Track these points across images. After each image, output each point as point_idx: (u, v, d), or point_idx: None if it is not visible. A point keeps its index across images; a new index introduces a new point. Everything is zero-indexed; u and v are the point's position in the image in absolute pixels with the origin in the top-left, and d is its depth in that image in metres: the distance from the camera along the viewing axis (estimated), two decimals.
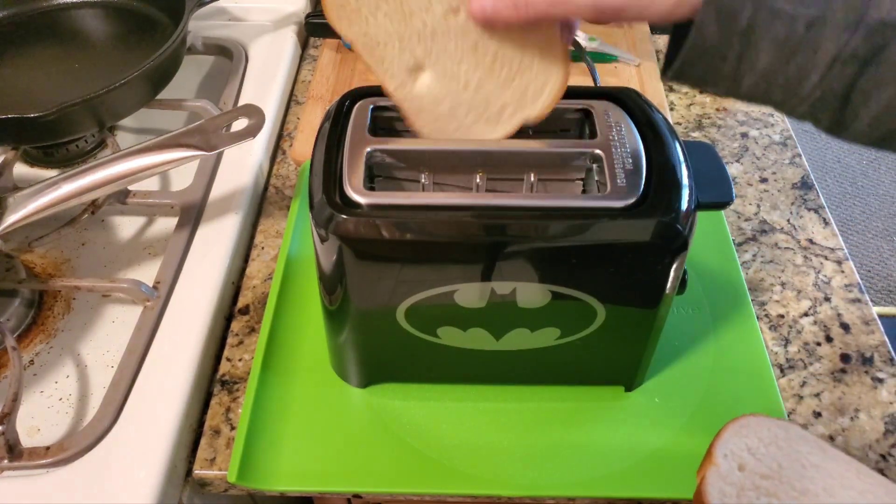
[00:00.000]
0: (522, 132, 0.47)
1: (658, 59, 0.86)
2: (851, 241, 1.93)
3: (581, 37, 0.86)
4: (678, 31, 0.38)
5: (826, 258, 0.66)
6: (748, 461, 0.46)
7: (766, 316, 0.61)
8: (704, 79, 0.36)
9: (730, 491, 0.45)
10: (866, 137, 0.35)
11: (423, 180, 0.47)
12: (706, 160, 0.48)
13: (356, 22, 0.44)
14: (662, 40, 0.90)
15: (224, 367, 0.58)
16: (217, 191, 0.68)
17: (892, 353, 0.59)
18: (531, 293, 0.46)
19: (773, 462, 0.46)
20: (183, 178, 0.70)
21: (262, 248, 0.67)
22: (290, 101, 0.83)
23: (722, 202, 0.46)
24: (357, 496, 0.52)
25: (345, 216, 0.42)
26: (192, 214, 0.66)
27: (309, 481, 0.51)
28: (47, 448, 0.51)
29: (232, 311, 0.62)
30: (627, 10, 0.35)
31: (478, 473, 0.51)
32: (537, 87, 0.45)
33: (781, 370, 0.58)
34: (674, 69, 0.36)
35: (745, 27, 0.33)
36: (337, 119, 0.48)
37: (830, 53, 0.32)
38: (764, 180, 0.73)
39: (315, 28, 0.87)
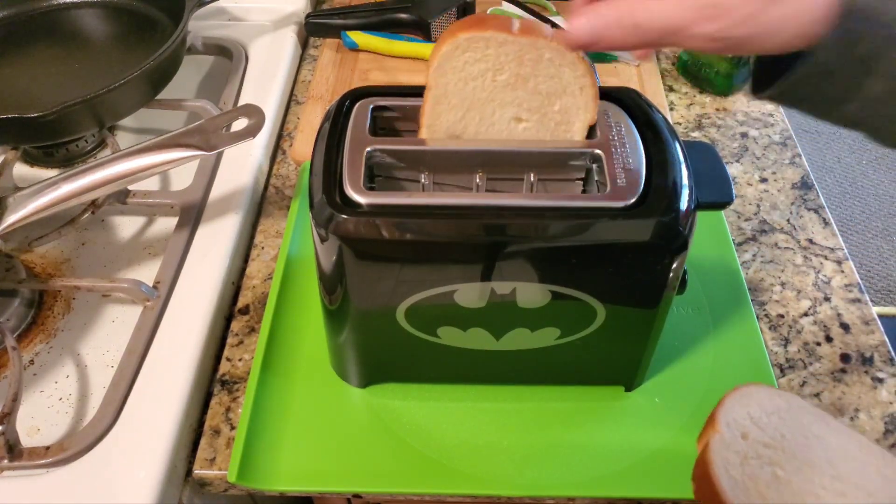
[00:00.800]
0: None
1: (658, 60, 0.86)
2: (851, 241, 1.93)
3: None
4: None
5: (826, 258, 0.66)
6: (751, 430, 0.46)
7: (766, 316, 0.61)
8: (805, 101, 0.35)
9: (734, 459, 0.45)
10: None
11: (423, 180, 0.47)
12: (706, 160, 0.48)
13: (449, 76, 0.45)
14: None
15: (224, 367, 0.58)
16: (217, 191, 0.68)
17: (892, 353, 0.59)
18: (531, 293, 0.46)
19: (776, 432, 0.47)
20: (183, 178, 0.70)
21: (262, 248, 0.67)
22: (290, 101, 0.83)
23: (722, 202, 0.46)
24: (357, 496, 0.52)
25: (345, 216, 0.42)
26: (192, 214, 0.66)
27: (309, 481, 0.51)
28: (47, 448, 0.51)
29: (232, 311, 0.62)
30: (746, 43, 0.34)
31: (478, 473, 0.51)
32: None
33: (781, 370, 0.58)
34: (777, 89, 0.35)
35: (865, 54, 0.32)
36: (337, 119, 0.48)
37: None
38: (764, 180, 0.73)
39: (315, 28, 0.87)
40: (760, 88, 0.37)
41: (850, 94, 0.33)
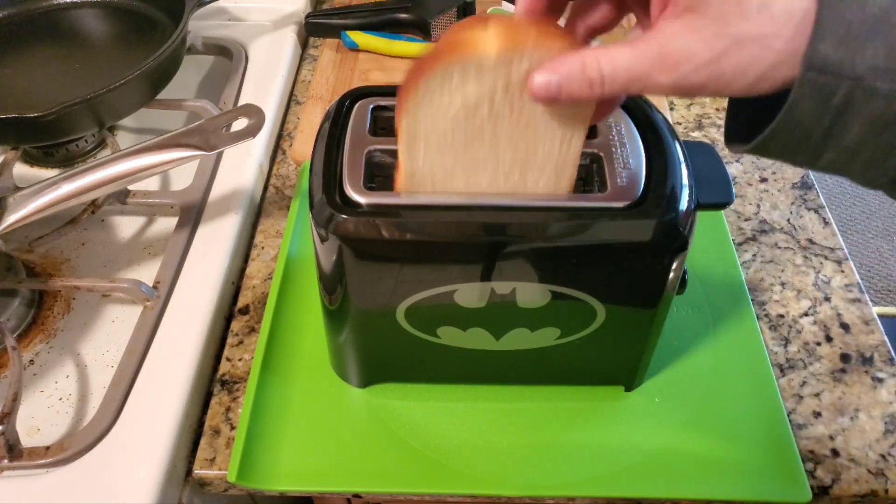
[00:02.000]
0: None
1: None
2: (851, 241, 1.93)
3: None
4: (738, 104, 0.38)
5: (826, 258, 0.66)
6: None
7: (766, 316, 0.61)
8: (784, 152, 0.35)
9: None
10: None
11: None
12: (706, 160, 0.48)
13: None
14: None
15: (224, 366, 0.58)
16: (217, 191, 0.68)
17: (892, 352, 0.59)
18: (531, 293, 0.46)
19: None
20: (183, 178, 0.70)
21: (262, 247, 0.67)
22: (290, 100, 0.83)
23: (722, 202, 0.46)
24: (357, 496, 0.52)
25: (345, 216, 0.42)
26: (192, 214, 0.66)
27: (309, 481, 0.51)
28: (47, 448, 0.51)
29: (232, 310, 0.62)
30: (707, 87, 0.34)
31: (478, 473, 0.51)
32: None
33: (781, 370, 0.58)
34: (756, 144, 0.35)
35: (840, 104, 0.32)
36: (337, 119, 0.48)
37: None
38: (764, 180, 0.73)
39: (315, 28, 0.87)
40: (736, 140, 0.37)
41: (827, 144, 0.34)
